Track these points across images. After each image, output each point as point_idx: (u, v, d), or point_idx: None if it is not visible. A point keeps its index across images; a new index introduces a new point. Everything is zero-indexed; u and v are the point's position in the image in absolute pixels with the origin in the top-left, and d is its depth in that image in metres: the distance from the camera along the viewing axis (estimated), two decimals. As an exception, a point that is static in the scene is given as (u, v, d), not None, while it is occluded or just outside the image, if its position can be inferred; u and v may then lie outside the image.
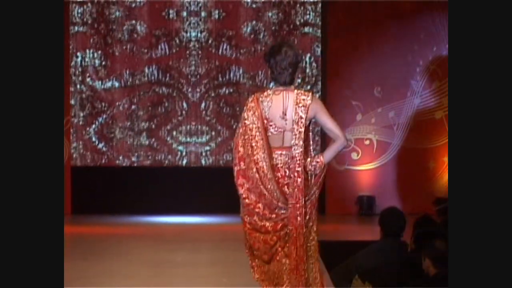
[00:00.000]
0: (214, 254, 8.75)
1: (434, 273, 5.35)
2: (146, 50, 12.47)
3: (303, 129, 4.97)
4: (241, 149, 5.03)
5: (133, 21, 12.59)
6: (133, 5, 12.38)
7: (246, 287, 6.63)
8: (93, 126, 12.29)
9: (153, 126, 12.40)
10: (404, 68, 11.63)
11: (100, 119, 12.27)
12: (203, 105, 12.24)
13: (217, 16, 12.46)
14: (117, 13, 12.47)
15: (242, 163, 5.02)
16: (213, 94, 12.27)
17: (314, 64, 12.11)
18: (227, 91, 12.55)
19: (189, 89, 12.30)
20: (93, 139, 12.28)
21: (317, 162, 5.04)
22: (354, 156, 11.64)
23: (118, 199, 11.50)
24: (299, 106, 4.97)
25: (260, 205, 5.02)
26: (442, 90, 11.53)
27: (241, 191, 5.08)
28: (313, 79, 12.08)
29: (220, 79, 12.40)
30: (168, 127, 12.24)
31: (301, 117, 4.96)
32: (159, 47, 12.46)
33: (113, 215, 11.43)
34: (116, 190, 11.47)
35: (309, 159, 5.04)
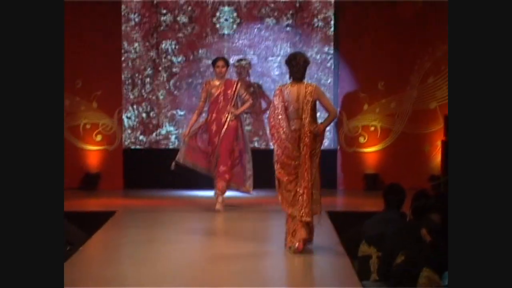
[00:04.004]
0: (254, 223, 8.94)
1: (429, 240, 5.76)
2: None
3: (310, 107, 6.88)
4: (271, 119, 6.98)
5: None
6: None
7: (283, 252, 7.15)
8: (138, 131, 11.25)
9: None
10: (404, 65, 11.66)
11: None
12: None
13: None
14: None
15: (273, 129, 6.96)
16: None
17: (328, 60, 11.46)
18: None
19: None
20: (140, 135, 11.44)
21: (319, 127, 6.92)
22: (361, 140, 11.78)
23: (164, 176, 11.07)
24: (307, 93, 6.90)
25: (284, 156, 6.95)
26: (436, 84, 11.60)
27: (274, 147, 7.00)
28: (328, 74, 11.51)
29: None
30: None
31: (308, 100, 6.89)
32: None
33: (160, 189, 11.39)
34: (162, 168, 10.47)
35: (313, 126, 6.89)
